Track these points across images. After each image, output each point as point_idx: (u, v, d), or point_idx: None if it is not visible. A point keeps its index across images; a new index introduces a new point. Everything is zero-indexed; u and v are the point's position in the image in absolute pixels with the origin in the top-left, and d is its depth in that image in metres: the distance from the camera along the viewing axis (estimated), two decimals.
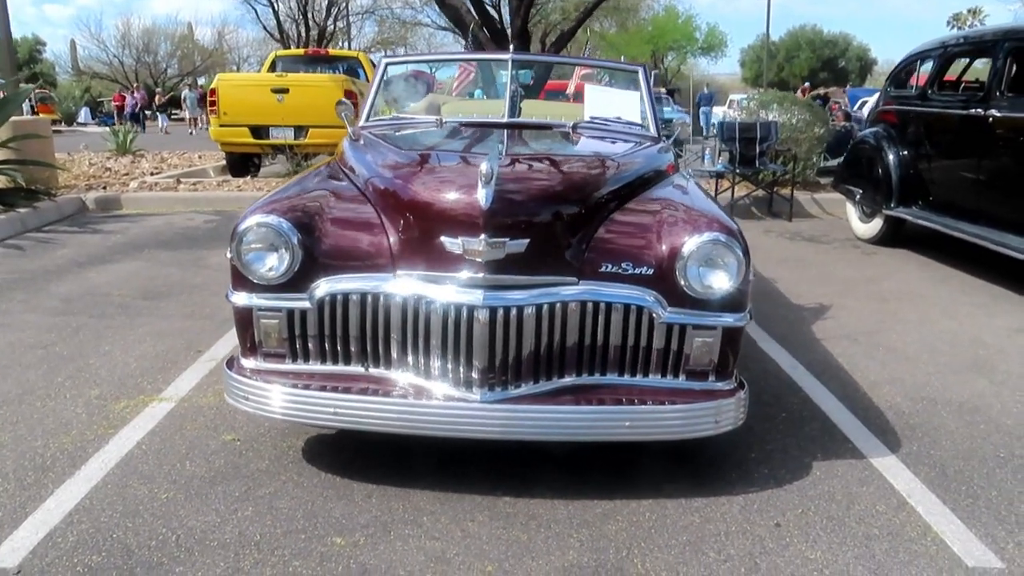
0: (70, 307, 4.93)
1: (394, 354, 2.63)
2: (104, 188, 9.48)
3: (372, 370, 2.66)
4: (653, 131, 4.06)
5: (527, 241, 2.50)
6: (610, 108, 4.14)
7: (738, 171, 8.94)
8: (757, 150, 8.83)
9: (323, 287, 2.60)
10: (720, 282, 2.57)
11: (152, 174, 10.85)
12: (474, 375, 2.54)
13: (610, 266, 2.58)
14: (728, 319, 2.61)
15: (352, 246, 2.65)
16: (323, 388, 2.60)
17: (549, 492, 2.69)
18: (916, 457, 3.01)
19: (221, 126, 10.69)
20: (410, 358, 2.61)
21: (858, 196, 7.34)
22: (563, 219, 2.62)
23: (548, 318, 2.53)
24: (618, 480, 2.79)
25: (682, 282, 2.54)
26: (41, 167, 8.91)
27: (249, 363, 2.73)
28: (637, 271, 2.57)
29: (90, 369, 3.86)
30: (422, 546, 2.40)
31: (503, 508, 2.60)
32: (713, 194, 7.68)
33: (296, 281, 2.61)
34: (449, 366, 2.56)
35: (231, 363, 2.78)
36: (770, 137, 8.97)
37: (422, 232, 2.58)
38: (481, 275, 2.49)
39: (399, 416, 2.54)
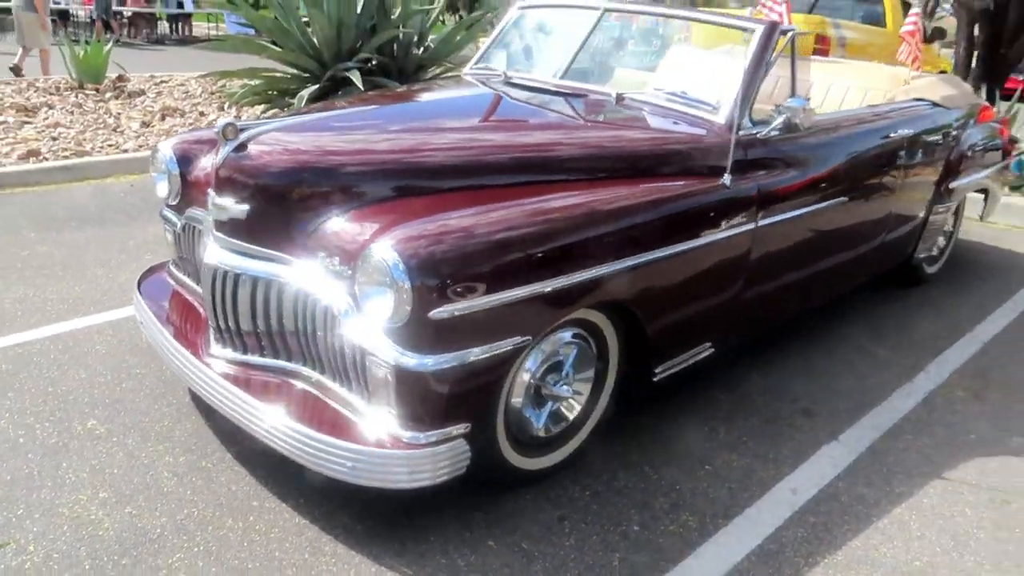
0: None
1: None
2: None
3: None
4: (722, 117, 3.05)
5: (248, 207, 2.45)
6: (696, 77, 3.36)
7: None
8: None
9: (185, 216, 2.86)
10: (382, 309, 2.14)
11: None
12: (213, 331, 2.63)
13: (323, 254, 2.35)
14: (396, 356, 2.14)
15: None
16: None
17: None
18: None
19: None
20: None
21: None
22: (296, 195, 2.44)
23: (264, 292, 2.46)
24: None
25: (354, 290, 2.23)
26: None
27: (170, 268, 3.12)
28: (338, 267, 2.31)
29: None
30: None
31: None
32: None
33: (181, 205, 2.90)
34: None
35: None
36: None
37: None
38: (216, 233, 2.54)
39: (174, 356, 2.64)
